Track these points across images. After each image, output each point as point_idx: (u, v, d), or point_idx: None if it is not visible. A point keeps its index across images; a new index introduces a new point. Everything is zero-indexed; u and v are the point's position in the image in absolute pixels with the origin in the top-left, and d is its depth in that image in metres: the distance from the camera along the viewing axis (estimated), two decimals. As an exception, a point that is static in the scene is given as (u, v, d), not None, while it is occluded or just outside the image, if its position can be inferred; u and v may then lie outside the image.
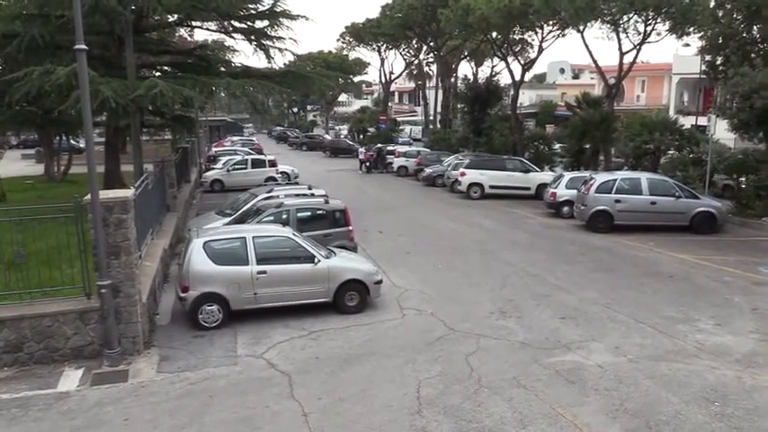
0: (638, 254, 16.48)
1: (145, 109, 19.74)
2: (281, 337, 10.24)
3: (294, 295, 11.20)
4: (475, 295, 12.65)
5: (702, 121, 30.55)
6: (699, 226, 18.72)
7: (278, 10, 21.69)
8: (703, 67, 28.69)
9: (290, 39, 27.01)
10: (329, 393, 8.21)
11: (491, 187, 26.60)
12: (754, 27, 26.31)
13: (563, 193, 21.67)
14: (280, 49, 22.65)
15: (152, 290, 10.93)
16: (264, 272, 10.92)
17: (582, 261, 15.65)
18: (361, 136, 59.27)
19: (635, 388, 8.30)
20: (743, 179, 20.49)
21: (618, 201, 18.91)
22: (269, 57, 22.48)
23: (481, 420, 7.44)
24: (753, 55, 25.61)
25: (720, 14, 26.80)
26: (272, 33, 22.37)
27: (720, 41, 26.96)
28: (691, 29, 27.97)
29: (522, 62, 37.28)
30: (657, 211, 18.78)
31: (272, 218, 13.78)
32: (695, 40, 29.02)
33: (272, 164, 30.51)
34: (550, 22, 32.84)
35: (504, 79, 40.23)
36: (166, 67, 23.77)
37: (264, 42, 22.43)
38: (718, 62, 27.33)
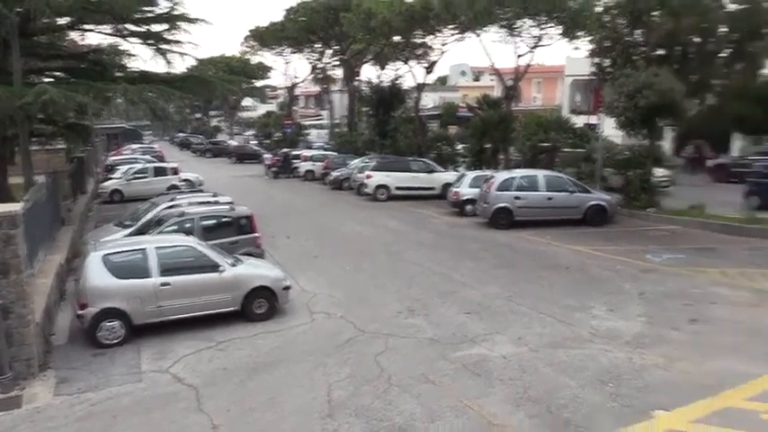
0: (537, 248, 17.24)
1: (34, 117, 18.63)
2: (188, 350, 9.99)
3: (200, 306, 10.94)
4: (383, 296, 12.84)
5: (594, 119, 32.29)
6: (592, 218, 19.86)
7: (176, 13, 21.09)
8: (593, 69, 30.31)
9: (190, 43, 26.28)
10: (238, 404, 8.11)
11: (397, 189, 27.03)
12: (637, 32, 28.17)
13: (466, 192, 22.33)
14: (180, 54, 22.06)
15: (47, 308, 10.37)
16: (168, 283, 10.62)
17: (485, 257, 16.19)
18: (267, 141, 58.54)
19: (537, 376, 8.69)
20: (630, 174, 21.81)
21: (517, 197, 19.71)
22: (168, 61, 21.83)
23: (392, 418, 7.56)
24: (636, 57, 27.36)
25: (607, 20, 28.47)
26: (171, 37, 21.72)
27: (608, 45, 28.65)
28: (580, 33, 29.53)
29: (425, 65, 38.06)
30: (554, 206, 19.76)
31: (174, 227, 13.39)
32: (585, 44, 30.64)
33: (175, 171, 29.62)
34: (450, 26, 33.72)
35: (408, 82, 40.99)
36: (58, 73, 22.54)
37: (163, 46, 21.74)
38: (606, 64, 29.01)
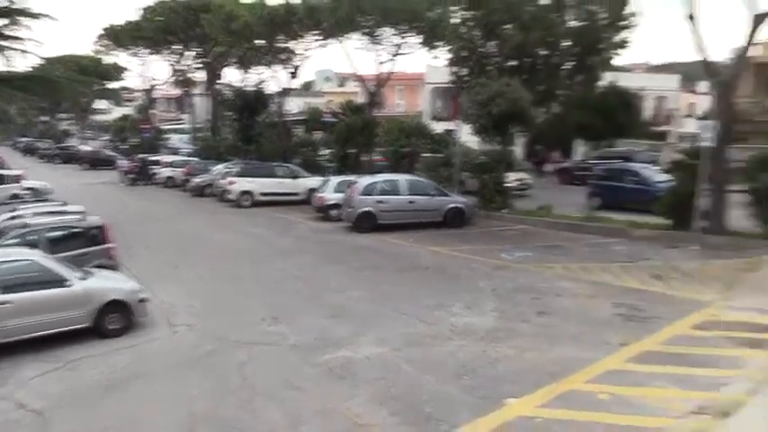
0: (399, 250, 17.73)
1: None
2: (33, 372, 9.25)
3: (47, 324, 10.17)
4: (246, 304, 12.64)
5: (453, 125, 33.77)
6: (451, 221, 20.71)
7: (15, 7, 19.53)
8: (451, 78, 31.72)
9: (33, 40, 24.28)
10: (90, 426, 7.65)
11: (262, 194, 26.68)
12: (491, 43, 29.88)
13: (331, 196, 22.50)
14: (21, 51, 20.42)
15: None
16: (9, 302, 9.79)
17: (349, 261, 16.41)
18: (124, 146, 55.46)
19: (399, 374, 8.92)
20: (485, 177, 23.01)
21: (380, 201, 20.19)
22: (7, 59, 20.15)
23: (256, 427, 7.48)
24: (490, 67, 28.99)
25: (463, 31, 29.93)
26: (10, 33, 20.07)
27: (465, 55, 30.14)
28: (439, 43, 30.79)
29: (290, 70, 37.91)
30: (415, 209, 20.43)
31: (17, 240, 12.36)
32: (444, 53, 32.02)
33: (17, 179, 27.28)
34: (313, 32, 33.86)
35: (273, 86, 40.62)
36: None
37: (0, 43, 20.04)
38: (463, 73, 30.47)
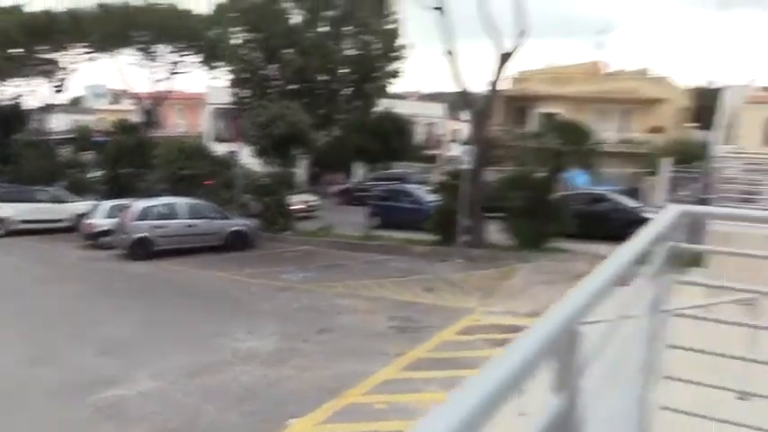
0: (178, 277, 17.11)
1: None
2: None
3: None
4: (-2, 345, 11.25)
5: (235, 147, 33.39)
6: (233, 244, 20.40)
7: None
8: (233, 99, 31.47)
9: None
10: None
11: (21, 222, 23.92)
12: (272, 66, 30.30)
13: (102, 222, 20.97)
14: None
15: None
16: None
17: (122, 290, 15.43)
18: None
19: (177, 407, 8.54)
20: (268, 199, 23.10)
21: (157, 226, 19.28)
22: None
23: (7, 484, 6.70)
24: (270, 90, 29.37)
25: (244, 53, 29.98)
26: None
27: (246, 77, 30.18)
28: (219, 63, 30.45)
29: (53, 84, 34.70)
30: (195, 234, 19.85)
31: None
32: (225, 74, 31.68)
33: None
34: (82, 44, 31.48)
35: (34, 101, 36.77)
36: None
37: None
38: (244, 95, 30.48)
